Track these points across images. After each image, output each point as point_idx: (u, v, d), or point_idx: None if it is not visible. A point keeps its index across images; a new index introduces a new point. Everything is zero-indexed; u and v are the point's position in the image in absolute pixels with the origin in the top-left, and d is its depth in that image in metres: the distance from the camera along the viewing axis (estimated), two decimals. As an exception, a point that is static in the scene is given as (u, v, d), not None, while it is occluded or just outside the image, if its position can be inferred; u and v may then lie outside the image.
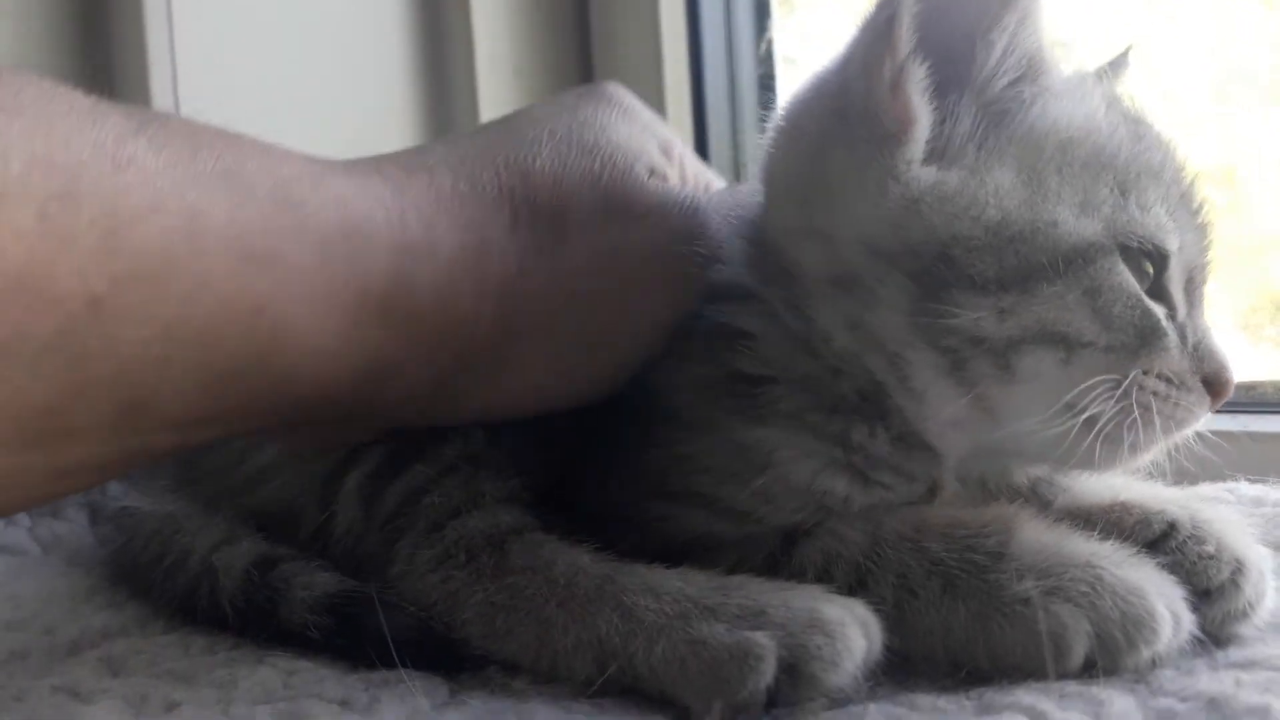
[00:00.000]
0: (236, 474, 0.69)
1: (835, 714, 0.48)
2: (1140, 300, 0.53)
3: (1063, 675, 0.48)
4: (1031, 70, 0.55)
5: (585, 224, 0.59)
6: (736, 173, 1.37)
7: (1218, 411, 0.58)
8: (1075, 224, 0.53)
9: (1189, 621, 0.49)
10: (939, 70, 0.54)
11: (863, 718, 0.47)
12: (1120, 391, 0.52)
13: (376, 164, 0.56)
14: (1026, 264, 0.52)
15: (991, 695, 0.47)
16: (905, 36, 0.52)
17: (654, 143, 0.65)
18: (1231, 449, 0.62)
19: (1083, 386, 0.52)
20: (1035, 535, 0.52)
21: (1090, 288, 0.52)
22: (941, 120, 0.54)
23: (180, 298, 0.44)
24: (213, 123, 0.51)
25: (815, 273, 0.57)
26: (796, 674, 0.47)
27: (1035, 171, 0.54)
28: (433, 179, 0.56)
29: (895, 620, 0.51)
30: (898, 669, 0.52)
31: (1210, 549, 0.54)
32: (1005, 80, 0.55)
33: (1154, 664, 0.49)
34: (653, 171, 0.63)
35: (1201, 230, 0.58)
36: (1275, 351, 1.11)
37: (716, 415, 0.58)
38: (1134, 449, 0.54)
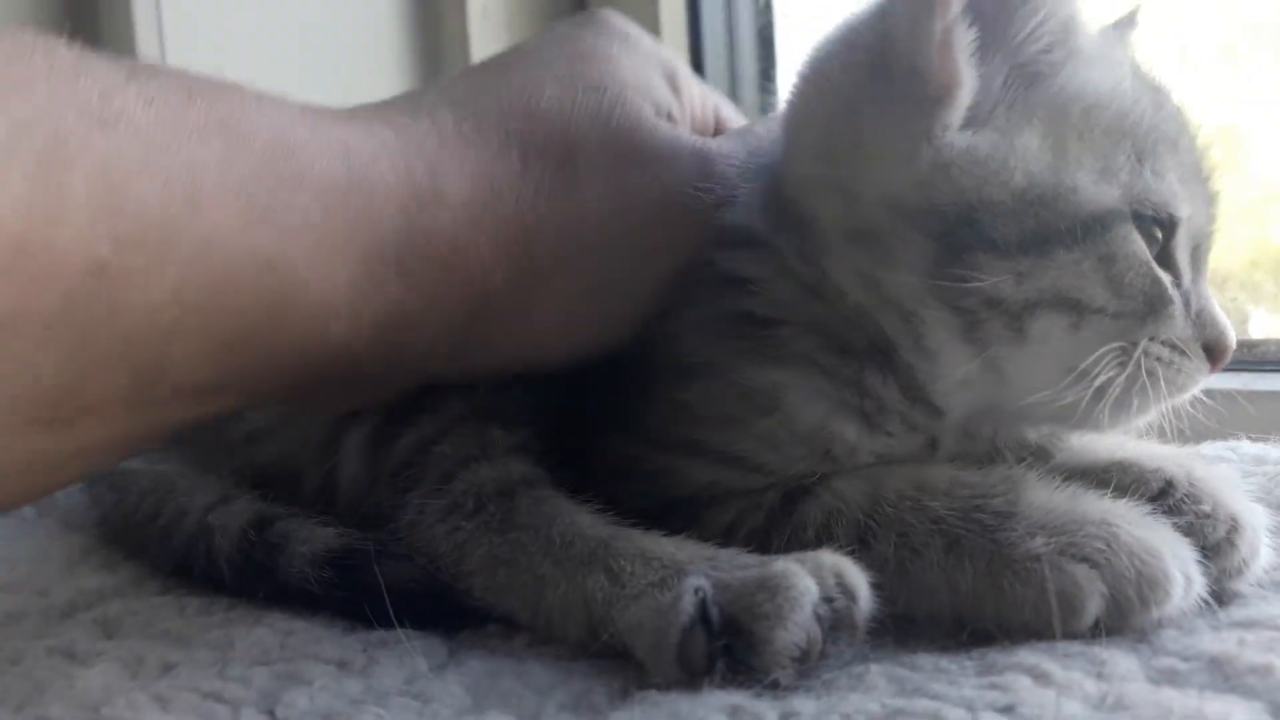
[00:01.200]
0: (233, 433, 0.68)
1: (836, 675, 0.47)
2: (1150, 268, 0.53)
3: (1072, 635, 0.48)
4: (1064, 34, 0.55)
5: (595, 166, 0.57)
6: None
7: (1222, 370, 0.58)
8: (1094, 190, 0.53)
9: (1200, 584, 0.49)
10: (980, 33, 0.53)
11: (864, 678, 0.47)
12: (1131, 360, 0.53)
13: (377, 110, 0.54)
14: (1046, 228, 0.52)
15: (994, 655, 0.47)
16: None
17: (659, 75, 0.63)
18: (1233, 407, 0.63)
19: (1095, 355, 0.52)
20: (1045, 494, 0.51)
21: (1105, 254, 0.52)
22: (979, 85, 0.53)
23: (186, 257, 0.42)
24: (200, 70, 0.49)
25: (833, 226, 0.56)
26: (750, 636, 0.46)
27: (1060, 136, 0.53)
28: (435, 123, 0.54)
29: (899, 579, 0.51)
30: (899, 629, 0.51)
31: (1206, 507, 0.54)
32: (1040, 44, 0.55)
33: (1158, 623, 0.48)
34: (659, 108, 0.61)
35: (1210, 199, 0.58)
36: (1277, 310, 1.11)
37: (722, 357, 0.57)
38: (1138, 413, 0.55)
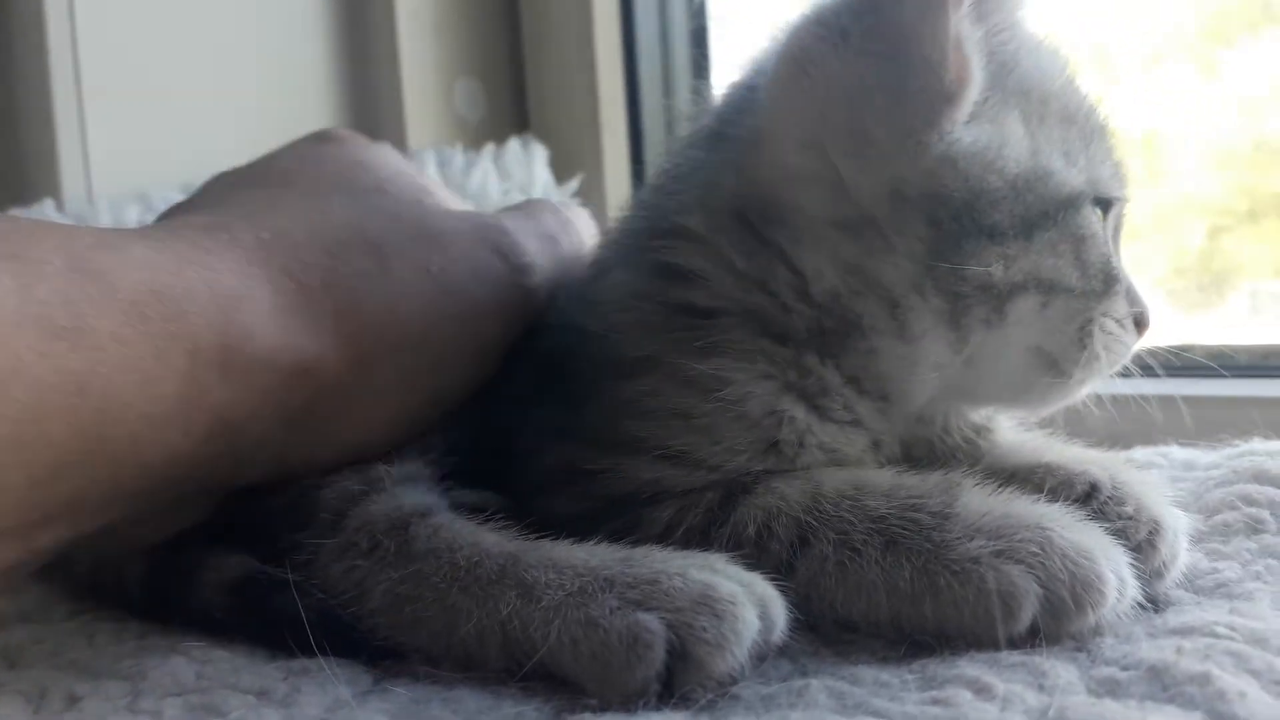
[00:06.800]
0: None
1: (775, 689, 0.47)
2: (1107, 247, 0.57)
3: (1009, 637, 0.48)
4: (1014, 21, 0.57)
5: (401, 253, 0.59)
6: (669, 125, 1.36)
7: (1150, 376, 0.60)
8: (1066, 173, 0.56)
9: (1133, 587, 0.50)
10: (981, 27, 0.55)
11: (804, 693, 0.46)
12: (1091, 337, 0.56)
13: (171, 227, 0.55)
14: (1031, 213, 0.54)
15: (935, 668, 0.47)
16: None
17: (416, 171, 0.68)
18: (1162, 413, 0.64)
19: (1059, 333, 0.55)
20: (980, 498, 0.52)
21: (1076, 235, 0.55)
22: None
23: None
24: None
25: (818, 215, 0.56)
26: (686, 657, 0.45)
27: (1030, 123, 0.56)
28: (234, 234, 0.55)
29: (838, 578, 0.50)
30: (838, 641, 0.51)
31: (1129, 509, 0.55)
32: (1005, 34, 0.57)
33: (1095, 631, 0.49)
34: (429, 193, 0.65)
35: (1124, 182, 0.61)
36: (1202, 316, 1.13)
37: (663, 350, 0.56)
38: (1083, 386, 0.58)
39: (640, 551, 0.50)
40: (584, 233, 0.72)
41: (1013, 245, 0.53)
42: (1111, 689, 0.44)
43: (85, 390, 0.44)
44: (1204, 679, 0.43)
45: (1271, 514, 0.62)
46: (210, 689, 0.48)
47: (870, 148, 0.54)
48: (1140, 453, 0.75)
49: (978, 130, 0.54)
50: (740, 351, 0.56)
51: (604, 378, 0.57)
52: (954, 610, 0.48)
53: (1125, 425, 0.64)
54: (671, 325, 0.56)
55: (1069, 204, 0.55)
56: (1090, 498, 0.56)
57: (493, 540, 0.52)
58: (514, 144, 1.34)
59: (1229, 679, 0.42)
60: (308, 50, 1.32)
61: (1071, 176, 0.55)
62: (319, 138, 0.67)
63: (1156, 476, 0.66)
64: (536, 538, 0.52)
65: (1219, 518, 0.63)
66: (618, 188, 1.38)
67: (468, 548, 0.51)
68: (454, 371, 0.61)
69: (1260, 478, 0.66)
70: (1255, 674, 0.44)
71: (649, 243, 0.59)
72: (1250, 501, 0.63)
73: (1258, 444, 0.72)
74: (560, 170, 1.37)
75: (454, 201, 0.69)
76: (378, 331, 0.56)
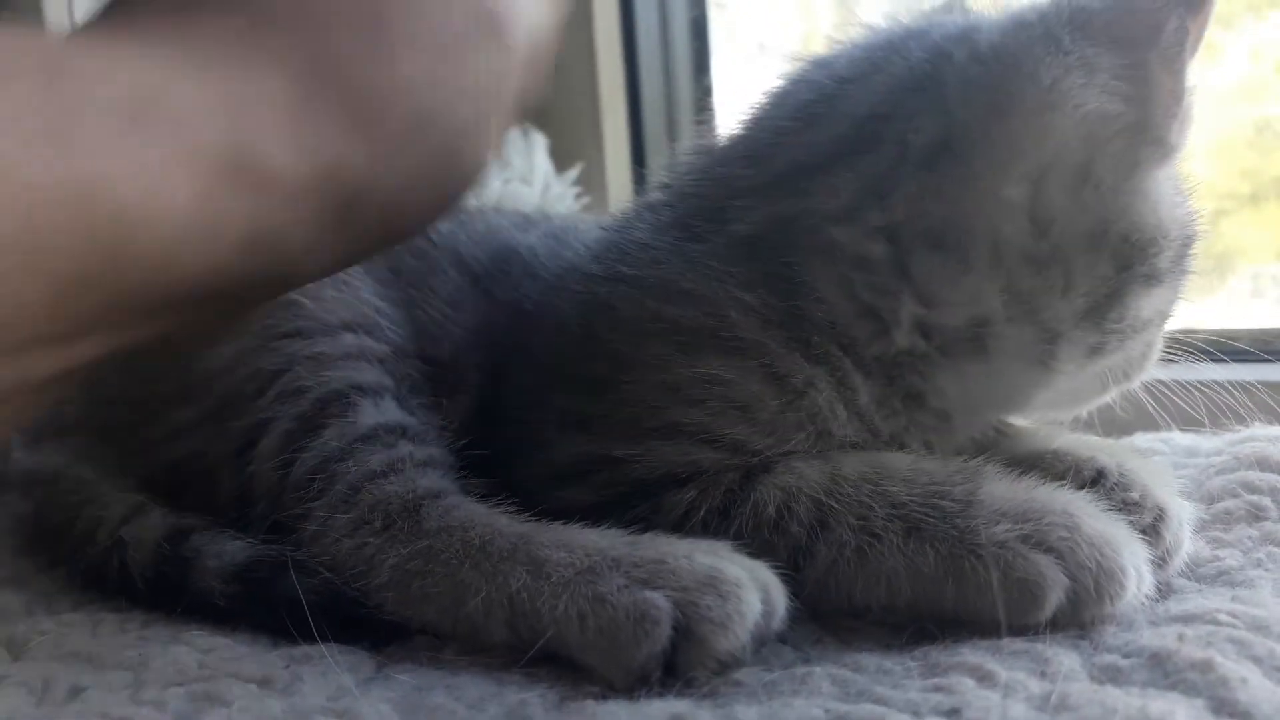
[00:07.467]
0: (149, 431, 0.65)
1: (778, 676, 0.47)
2: None
3: (1031, 625, 0.48)
4: None
5: (392, 20, 0.50)
6: (669, 116, 1.35)
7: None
8: (1194, 218, 0.58)
9: (1149, 581, 0.50)
10: None
11: (806, 681, 0.46)
12: (1153, 355, 0.60)
13: (142, 25, 0.47)
14: (1176, 255, 0.56)
15: (937, 655, 0.47)
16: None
17: None
18: (1164, 398, 0.64)
19: (1136, 352, 0.58)
20: (1003, 484, 0.52)
21: (1186, 271, 0.58)
22: None
23: None
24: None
25: (1012, 247, 0.54)
26: (690, 635, 0.46)
27: (1174, 168, 0.57)
28: (209, 24, 0.48)
29: (857, 565, 0.50)
30: (841, 629, 0.51)
31: (1135, 495, 0.55)
32: None
33: (1103, 618, 0.49)
34: None
35: None
36: (1203, 300, 1.13)
37: (769, 340, 0.55)
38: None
39: (648, 536, 0.51)
40: None
41: (1159, 286, 0.56)
42: (1114, 676, 0.44)
43: (90, 199, 0.40)
44: (1206, 666, 0.43)
45: (1273, 501, 0.62)
46: (213, 678, 0.49)
47: (1089, 188, 0.54)
48: (1142, 439, 0.75)
49: (1167, 179, 0.56)
50: (834, 365, 0.56)
51: (658, 351, 0.56)
52: (978, 596, 0.48)
53: (1127, 411, 0.64)
54: (784, 323, 0.55)
55: (1190, 245, 0.58)
56: (1097, 484, 0.56)
57: (505, 521, 0.53)
58: (514, 133, 1.34)
59: (1231, 666, 0.42)
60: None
61: (1195, 220, 0.58)
62: None
63: (1161, 463, 0.66)
64: (548, 523, 0.53)
65: (1220, 505, 0.63)
66: (619, 176, 1.37)
67: (481, 526, 0.52)
68: (465, 156, 0.54)
69: (1262, 464, 0.65)
70: (1257, 661, 0.44)
71: (778, 254, 0.56)
72: (1252, 489, 0.63)
73: (1259, 429, 0.72)
74: (560, 159, 1.36)
75: None
76: (392, 120, 0.50)
